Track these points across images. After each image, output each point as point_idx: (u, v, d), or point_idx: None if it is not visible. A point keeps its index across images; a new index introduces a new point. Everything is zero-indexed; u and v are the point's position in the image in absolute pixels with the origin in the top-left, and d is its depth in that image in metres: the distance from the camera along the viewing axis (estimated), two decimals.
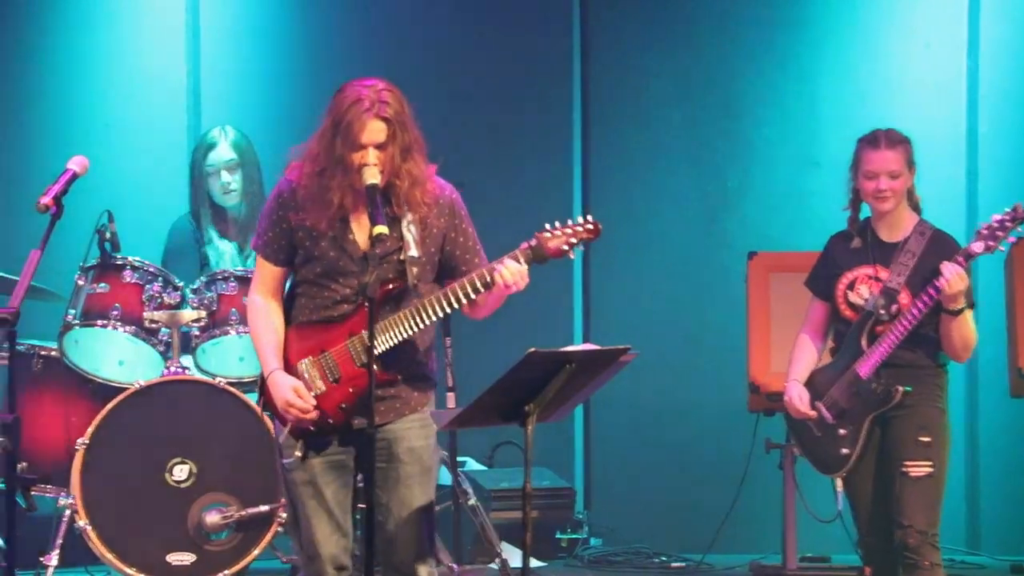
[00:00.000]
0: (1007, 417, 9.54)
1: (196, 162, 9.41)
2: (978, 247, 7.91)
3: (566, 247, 7.12)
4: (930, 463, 8.06)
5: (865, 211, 8.25)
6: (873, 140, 8.17)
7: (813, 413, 8.16)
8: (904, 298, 8.05)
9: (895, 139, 8.16)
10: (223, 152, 9.30)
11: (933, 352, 8.14)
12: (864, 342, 8.09)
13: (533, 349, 6.93)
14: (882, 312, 8.07)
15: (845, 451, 8.16)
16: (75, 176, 7.48)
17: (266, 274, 7.17)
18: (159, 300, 9.03)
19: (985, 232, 7.91)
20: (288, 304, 7.20)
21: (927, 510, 8.08)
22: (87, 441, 8.73)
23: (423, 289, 7.07)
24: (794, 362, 8.31)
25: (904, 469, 8.06)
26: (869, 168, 8.10)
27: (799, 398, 8.18)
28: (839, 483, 8.33)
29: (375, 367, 6.89)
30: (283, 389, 6.98)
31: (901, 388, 8.04)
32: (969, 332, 8.05)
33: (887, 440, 8.13)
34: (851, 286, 8.18)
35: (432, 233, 7.12)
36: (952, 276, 7.85)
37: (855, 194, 8.25)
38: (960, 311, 7.96)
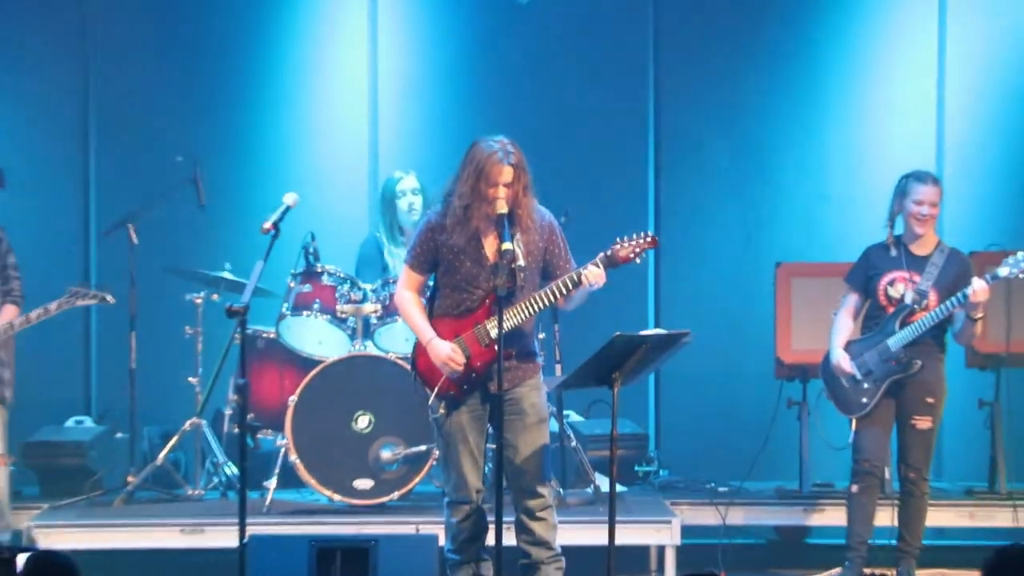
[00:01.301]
0: (963, 377, 9.50)
1: (389, 189, 9.48)
2: (1004, 271, 8.06)
3: (632, 255, 7.23)
4: (931, 418, 8.27)
5: (897, 229, 8.37)
6: (923, 177, 8.33)
7: (854, 371, 8.29)
8: (933, 297, 8.21)
9: (936, 179, 8.37)
10: (411, 182, 9.41)
11: (941, 337, 8.31)
12: (897, 325, 8.25)
13: (618, 333, 7.01)
14: (916, 306, 8.21)
15: (865, 400, 8.36)
16: (288, 208, 7.54)
17: (411, 279, 7.38)
18: (347, 297, 9.11)
19: (1012, 263, 8.03)
20: (429, 302, 7.34)
21: (925, 453, 8.33)
22: (296, 399, 8.83)
23: (528, 288, 7.17)
24: (837, 335, 8.45)
25: (912, 422, 8.31)
26: (918, 197, 8.28)
27: (846, 360, 8.33)
28: (854, 423, 8.40)
29: (498, 346, 7.01)
30: (444, 349, 7.18)
31: (919, 362, 8.19)
32: (978, 331, 8.25)
33: (902, 398, 8.32)
34: (891, 283, 8.33)
35: (536, 248, 7.23)
36: (980, 290, 8.00)
37: (894, 215, 8.35)
38: (981, 317, 8.11)
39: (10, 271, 8.64)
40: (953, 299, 8.10)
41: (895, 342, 8.24)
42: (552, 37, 10.51)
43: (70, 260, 10.30)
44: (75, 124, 10.49)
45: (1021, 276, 8.13)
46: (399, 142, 10.63)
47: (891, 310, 8.30)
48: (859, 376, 8.31)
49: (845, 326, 8.46)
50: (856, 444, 8.36)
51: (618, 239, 7.23)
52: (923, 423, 8.26)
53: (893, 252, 8.35)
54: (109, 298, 8.75)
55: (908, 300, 8.26)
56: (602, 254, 7.21)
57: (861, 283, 8.43)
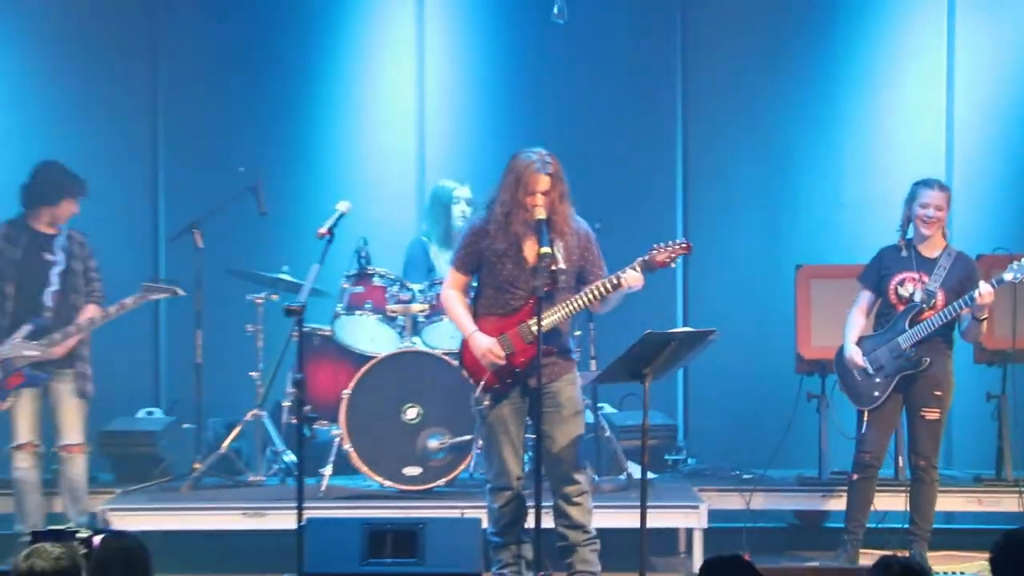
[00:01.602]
0: (972, 372, 9.50)
1: (446, 195, 9.43)
2: (1009, 276, 8.04)
3: (668, 259, 7.22)
4: (939, 410, 8.24)
5: (908, 234, 8.35)
6: (930, 183, 8.33)
7: (863, 364, 8.29)
8: (940, 297, 8.18)
9: (943, 185, 8.35)
10: (466, 192, 9.37)
11: (949, 334, 8.27)
12: (907, 324, 8.22)
13: (649, 331, 7.01)
14: (924, 305, 8.18)
15: (877, 394, 8.34)
16: (342, 214, 7.58)
17: (456, 279, 7.43)
18: (397, 297, 9.13)
19: (1015, 267, 8.01)
20: (474, 302, 7.36)
21: (934, 443, 8.31)
22: (350, 391, 8.85)
23: (565, 290, 7.20)
24: (850, 331, 8.44)
25: (922, 414, 8.31)
26: (924, 202, 8.28)
27: (858, 355, 8.32)
28: (866, 414, 8.38)
29: (538, 344, 7.04)
30: (484, 342, 7.22)
31: (928, 359, 8.17)
32: (984, 330, 8.27)
33: (912, 392, 8.31)
34: (901, 283, 8.31)
35: (573, 253, 7.23)
36: (986, 293, 7.98)
37: (906, 220, 8.33)
38: (985, 318, 8.08)
39: (92, 273, 8.74)
40: (960, 301, 8.10)
41: (905, 339, 8.23)
42: (587, 55, 10.50)
43: (141, 263, 10.34)
44: (145, 138, 10.56)
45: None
46: (444, 153, 10.64)
47: (901, 308, 8.30)
48: (871, 371, 8.31)
49: (857, 322, 8.46)
50: (863, 436, 8.39)
51: (655, 245, 7.23)
52: (931, 414, 8.26)
53: (904, 253, 8.36)
54: (179, 291, 8.80)
55: (917, 299, 8.26)
56: (640, 259, 7.21)
57: (873, 282, 8.43)
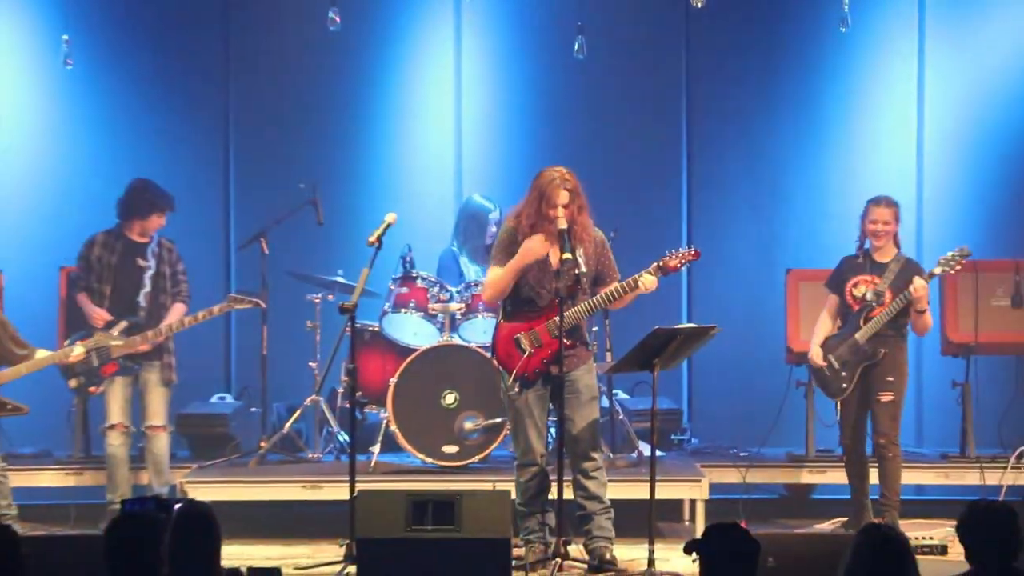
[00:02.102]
0: (939, 362, 9.63)
1: (484, 214, 9.45)
2: (938, 270, 8.08)
3: (680, 264, 7.27)
4: (892, 393, 8.28)
5: (866, 244, 8.44)
6: (878, 200, 8.47)
7: (824, 364, 8.35)
8: (888, 296, 8.24)
9: (891, 202, 8.45)
10: (496, 215, 9.36)
11: (902, 329, 8.34)
12: (862, 322, 8.30)
13: (657, 327, 7.05)
14: (875, 303, 8.21)
15: (844, 385, 8.40)
16: (389, 224, 7.63)
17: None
18: (437, 297, 9.16)
19: (943, 262, 8.02)
20: (503, 302, 7.38)
21: (891, 422, 8.38)
22: (396, 380, 8.92)
23: (584, 292, 7.21)
24: (816, 333, 8.54)
25: (878, 397, 8.36)
26: (873, 218, 8.40)
27: (817, 356, 8.42)
28: (838, 404, 8.41)
29: (559, 338, 7.07)
30: (530, 241, 7.23)
31: (883, 350, 8.22)
32: (929, 322, 8.34)
33: (869, 380, 8.29)
34: (855, 285, 8.40)
35: (591, 259, 7.26)
36: (919, 287, 8.01)
37: (862, 232, 8.39)
38: (924, 310, 8.13)
39: (179, 276, 8.87)
40: (901, 296, 8.20)
41: (861, 335, 8.34)
42: (602, 85, 10.49)
43: (215, 268, 10.41)
44: (218, 158, 10.55)
45: (951, 272, 8.34)
46: (479, 170, 10.62)
47: (856, 308, 8.37)
48: (836, 365, 8.39)
49: (823, 325, 8.58)
50: (840, 424, 8.49)
51: (668, 251, 7.29)
52: (886, 397, 8.35)
53: (860, 260, 8.49)
54: (262, 304, 8.88)
55: (869, 298, 8.35)
56: (655, 264, 7.27)
57: (836, 287, 8.53)
